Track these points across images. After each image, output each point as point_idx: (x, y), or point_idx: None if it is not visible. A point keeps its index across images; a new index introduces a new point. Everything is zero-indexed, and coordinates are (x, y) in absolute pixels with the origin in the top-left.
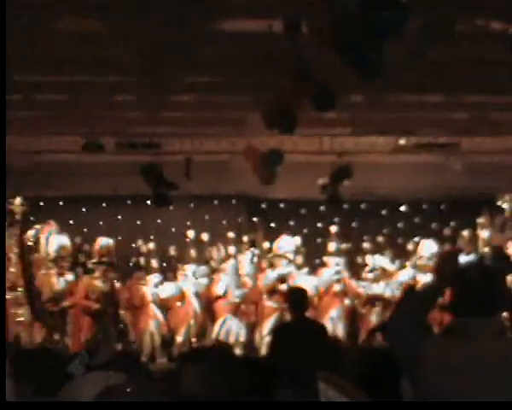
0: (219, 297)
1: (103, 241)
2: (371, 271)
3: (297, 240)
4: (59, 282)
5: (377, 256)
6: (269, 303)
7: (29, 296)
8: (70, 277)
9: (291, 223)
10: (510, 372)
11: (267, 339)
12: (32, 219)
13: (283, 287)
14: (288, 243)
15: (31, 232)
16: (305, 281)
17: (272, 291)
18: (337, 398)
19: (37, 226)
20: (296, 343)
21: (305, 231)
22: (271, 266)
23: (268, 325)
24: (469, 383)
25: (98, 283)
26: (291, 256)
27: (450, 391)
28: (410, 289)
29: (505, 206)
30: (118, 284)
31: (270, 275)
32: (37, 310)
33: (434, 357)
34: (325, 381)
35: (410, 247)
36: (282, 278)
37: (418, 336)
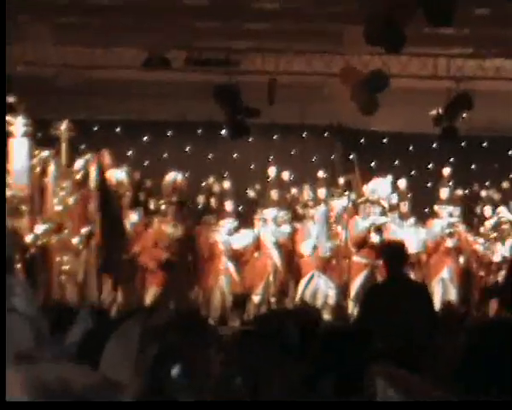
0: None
1: (172, 176)
2: (494, 226)
3: (402, 183)
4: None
5: (502, 207)
6: (357, 258)
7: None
8: (135, 217)
9: (396, 162)
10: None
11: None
12: (82, 147)
13: (376, 239)
14: (382, 186)
15: (79, 163)
16: (411, 233)
17: (362, 244)
18: (397, 398)
19: (87, 156)
20: (388, 309)
21: (412, 172)
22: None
23: (355, 285)
24: None
25: (168, 228)
26: (385, 203)
27: None
28: None
29: None
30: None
31: (361, 224)
32: (105, 260)
33: None
34: (384, 378)
35: None
36: (376, 228)
37: None
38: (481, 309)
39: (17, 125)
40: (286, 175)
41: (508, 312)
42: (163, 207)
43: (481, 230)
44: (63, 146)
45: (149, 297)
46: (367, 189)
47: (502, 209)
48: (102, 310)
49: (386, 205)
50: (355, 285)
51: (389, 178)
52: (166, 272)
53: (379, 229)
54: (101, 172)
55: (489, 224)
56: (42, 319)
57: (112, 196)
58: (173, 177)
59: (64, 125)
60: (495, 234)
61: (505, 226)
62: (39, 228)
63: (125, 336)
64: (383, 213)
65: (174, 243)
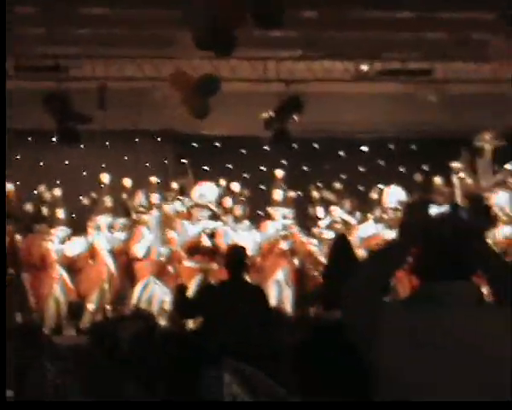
0: (140, 256)
1: None
2: (327, 225)
3: (236, 186)
4: None
5: (333, 207)
6: (189, 263)
7: None
8: None
9: (229, 166)
10: (486, 348)
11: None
12: None
13: (208, 243)
14: (210, 190)
15: None
16: (245, 236)
17: (194, 249)
18: (242, 397)
19: None
20: (224, 311)
21: (245, 175)
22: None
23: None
24: (434, 359)
25: None
26: (214, 207)
27: (410, 369)
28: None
29: (486, 147)
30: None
31: (191, 229)
32: None
33: (394, 325)
34: (232, 373)
35: (373, 195)
36: (208, 233)
37: (377, 302)
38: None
39: None
40: (123, 181)
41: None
42: None
43: (315, 231)
44: None
45: None
46: (195, 193)
47: (335, 209)
48: None
49: (215, 209)
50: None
51: (234, 183)
52: None
53: (211, 233)
54: None
55: (322, 224)
56: None
57: None
58: None
59: None
60: (329, 234)
61: (338, 226)
62: None
63: None
64: (214, 217)
65: None
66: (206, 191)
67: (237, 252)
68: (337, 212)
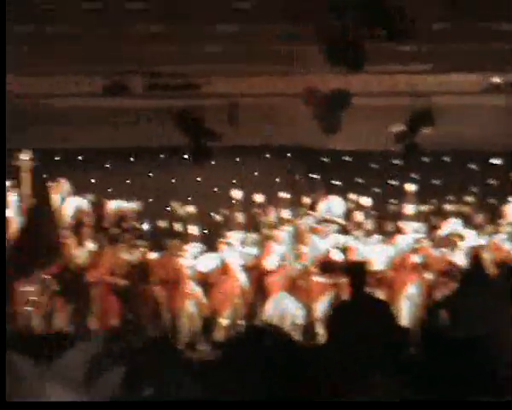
0: (272, 271)
1: (115, 203)
2: (445, 236)
3: (366, 201)
4: (80, 252)
5: (453, 218)
6: (320, 278)
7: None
8: (91, 246)
9: (358, 180)
10: None
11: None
12: (44, 176)
13: (339, 258)
14: (336, 205)
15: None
16: (376, 251)
17: (324, 264)
18: None
19: (50, 184)
20: (353, 327)
21: (375, 189)
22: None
23: (321, 305)
24: None
25: (125, 254)
26: (341, 221)
27: None
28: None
29: None
30: (149, 256)
31: (320, 243)
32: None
33: None
34: None
35: (504, 209)
36: (339, 247)
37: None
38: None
39: None
40: (254, 197)
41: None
42: (117, 234)
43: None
44: (25, 176)
45: (114, 323)
46: (323, 208)
47: (453, 220)
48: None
49: (343, 223)
50: (320, 305)
51: (364, 197)
52: (124, 299)
53: (341, 248)
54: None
55: (440, 234)
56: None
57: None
58: (116, 205)
59: (24, 155)
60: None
61: (455, 238)
62: None
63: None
64: (342, 232)
65: (131, 269)
66: (333, 206)
67: (357, 267)
68: (454, 224)
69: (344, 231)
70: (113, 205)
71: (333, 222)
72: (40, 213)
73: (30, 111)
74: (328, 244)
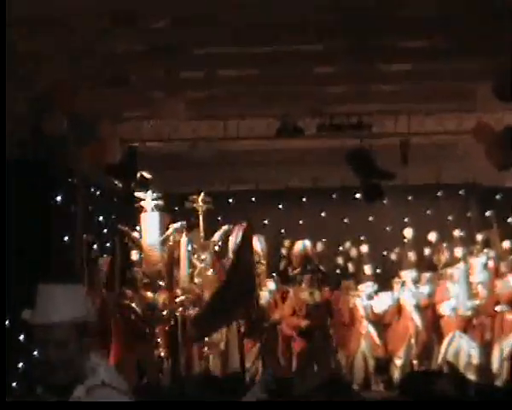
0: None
1: (300, 244)
2: None
3: None
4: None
5: None
6: (510, 316)
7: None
8: (272, 285)
9: None
10: None
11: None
12: (218, 219)
13: None
14: None
15: (217, 234)
16: None
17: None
18: None
19: (225, 227)
20: None
21: None
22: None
23: (508, 343)
24: None
25: (305, 295)
26: None
27: None
28: None
29: None
30: (329, 296)
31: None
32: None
33: None
34: None
35: None
36: None
37: None
38: None
39: (147, 199)
40: (426, 235)
41: None
42: (298, 276)
43: None
44: (201, 218)
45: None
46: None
47: None
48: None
49: None
50: (507, 344)
51: None
52: (307, 339)
53: None
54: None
55: None
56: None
57: (243, 264)
58: (302, 245)
59: (201, 198)
60: None
61: None
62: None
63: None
64: None
65: (312, 309)
66: None
67: None
68: None
69: None
70: (299, 246)
71: None
72: (243, 257)
73: (204, 155)
74: None
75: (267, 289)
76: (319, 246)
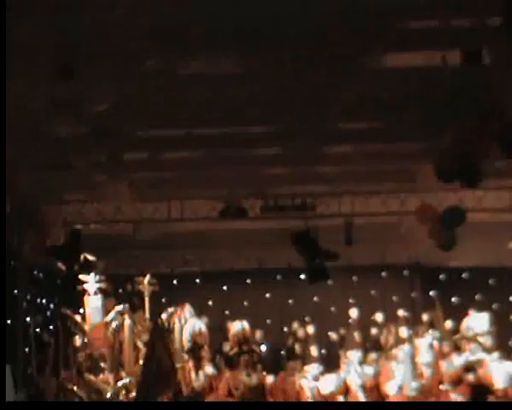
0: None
1: (238, 326)
2: None
3: (484, 318)
4: (197, 376)
5: None
6: (453, 396)
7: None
8: (210, 369)
9: (477, 297)
10: None
11: None
12: (163, 300)
13: (471, 377)
14: (479, 323)
15: (163, 316)
16: (499, 369)
17: (457, 381)
18: None
19: (170, 309)
20: None
21: (494, 306)
22: (456, 349)
23: None
24: None
25: (243, 376)
26: (483, 339)
27: None
28: None
29: None
30: (268, 378)
31: (456, 361)
32: None
33: None
34: None
35: None
36: (470, 366)
37: None
38: None
39: (91, 282)
40: (371, 316)
41: None
42: (234, 356)
43: None
44: (146, 300)
45: None
46: (464, 325)
47: None
48: None
49: (483, 341)
50: None
51: (485, 314)
52: None
53: (472, 367)
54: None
55: None
56: None
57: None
58: (240, 326)
59: (146, 280)
60: None
61: None
62: (120, 383)
63: None
64: (480, 350)
65: (248, 391)
66: (474, 323)
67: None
68: None
69: (483, 348)
70: (236, 327)
71: (474, 340)
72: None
73: (148, 238)
74: (462, 362)
75: (204, 373)
76: (263, 327)
